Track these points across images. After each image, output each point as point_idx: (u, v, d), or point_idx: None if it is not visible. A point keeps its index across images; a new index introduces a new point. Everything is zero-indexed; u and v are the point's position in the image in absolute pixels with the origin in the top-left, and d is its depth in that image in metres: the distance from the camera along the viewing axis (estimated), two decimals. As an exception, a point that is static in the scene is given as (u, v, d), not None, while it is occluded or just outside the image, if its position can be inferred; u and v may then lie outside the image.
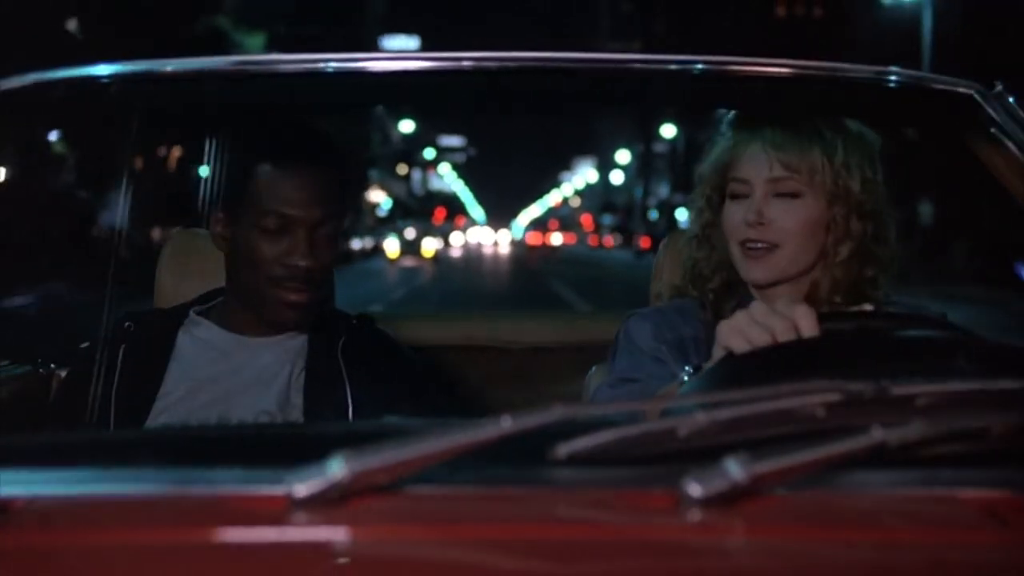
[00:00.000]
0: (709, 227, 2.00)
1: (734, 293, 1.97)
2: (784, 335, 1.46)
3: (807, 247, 1.91)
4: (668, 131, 59.65)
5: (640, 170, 74.95)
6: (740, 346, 1.48)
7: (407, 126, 77.94)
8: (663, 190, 67.04)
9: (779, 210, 1.90)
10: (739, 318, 1.51)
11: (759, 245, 1.90)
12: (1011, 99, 1.79)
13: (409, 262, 42.35)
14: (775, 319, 1.47)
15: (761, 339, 1.47)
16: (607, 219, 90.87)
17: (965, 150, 1.91)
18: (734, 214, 1.93)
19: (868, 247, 1.92)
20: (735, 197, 1.94)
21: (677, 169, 58.56)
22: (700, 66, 1.77)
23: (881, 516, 1.01)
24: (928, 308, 1.99)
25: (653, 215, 66.97)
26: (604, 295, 24.64)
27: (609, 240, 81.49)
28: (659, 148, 70.52)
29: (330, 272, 2.07)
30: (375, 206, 57.50)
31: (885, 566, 0.94)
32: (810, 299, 1.90)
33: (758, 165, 1.91)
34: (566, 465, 1.03)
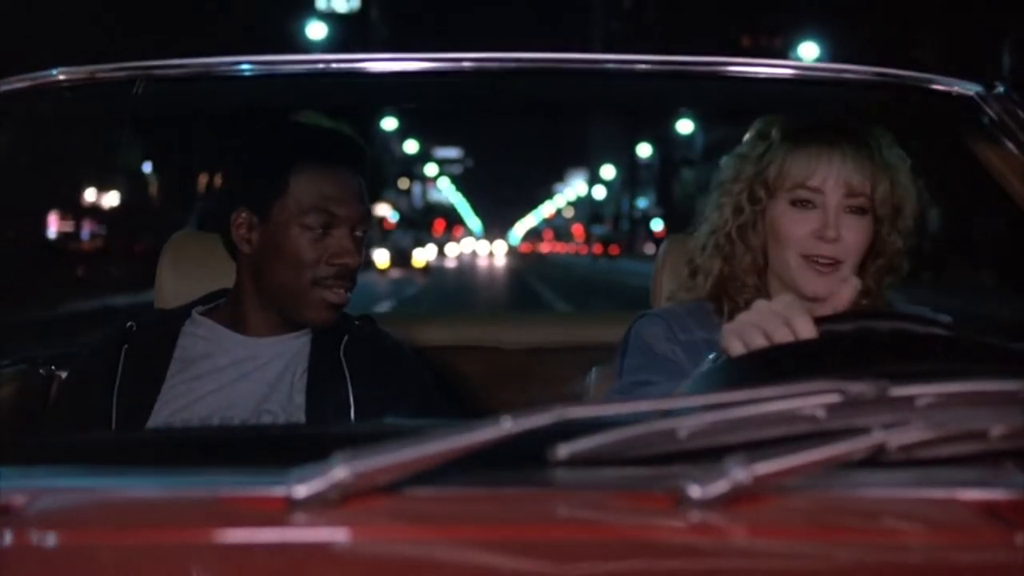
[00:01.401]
0: (745, 227, 1.96)
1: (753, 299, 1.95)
2: (779, 337, 1.45)
3: (859, 262, 1.91)
4: (644, 150, 66.95)
5: (626, 182, 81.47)
6: (736, 349, 1.47)
7: (411, 146, 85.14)
8: (643, 202, 72.51)
9: (848, 226, 1.89)
10: (739, 320, 1.50)
11: (829, 260, 1.88)
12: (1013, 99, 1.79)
13: (397, 273, 41.71)
14: (771, 321, 1.46)
15: (756, 341, 1.46)
16: (598, 229, 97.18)
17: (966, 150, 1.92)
18: (800, 223, 1.89)
19: (897, 262, 1.94)
20: (800, 204, 1.91)
21: (658, 183, 65.17)
22: (701, 67, 1.77)
23: (881, 517, 1.01)
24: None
25: (626, 224, 76.90)
26: (555, 281, 38.09)
27: (583, 248, 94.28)
28: (643, 162, 75.20)
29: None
30: (383, 219, 62.44)
31: (886, 567, 0.94)
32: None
33: (837, 179, 1.88)
34: (566, 466, 1.03)
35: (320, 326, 2.05)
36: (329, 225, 1.99)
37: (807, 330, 1.45)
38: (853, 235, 1.89)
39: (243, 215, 2.04)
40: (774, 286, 1.95)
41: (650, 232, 57.68)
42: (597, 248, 66.89)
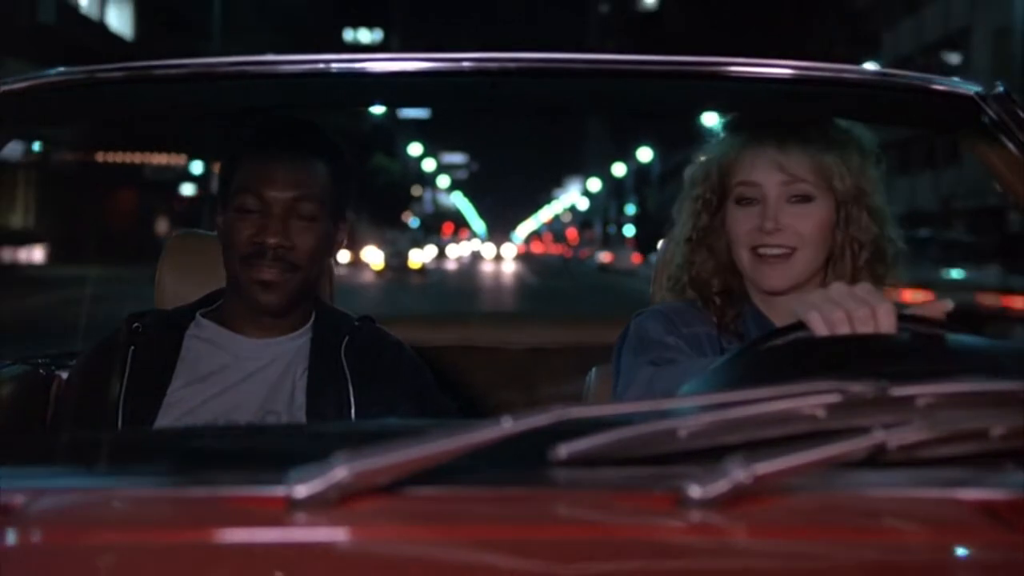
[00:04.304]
0: (706, 230, 1.97)
1: (735, 300, 1.96)
2: (862, 318, 1.45)
3: (820, 249, 1.90)
4: (620, 169, 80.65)
5: (611, 193, 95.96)
6: (817, 323, 1.46)
7: (429, 164, 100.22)
8: (632, 208, 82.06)
9: (793, 215, 1.89)
10: (819, 295, 1.49)
11: (776, 251, 1.88)
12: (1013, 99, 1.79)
13: (371, 279, 40.92)
14: (853, 302, 1.45)
15: (836, 316, 1.45)
16: (587, 233, 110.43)
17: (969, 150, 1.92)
18: (744, 220, 1.90)
19: (880, 246, 1.92)
20: (743, 202, 1.91)
21: (641, 193, 77.20)
22: (702, 67, 1.77)
23: (881, 517, 1.01)
24: None
25: (612, 229, 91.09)
26: (533, 268, 55.67)
27: (564, 250, 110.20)
28: (618, 179, 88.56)
29: (314, 257, 2.07)
30: (406, 224, 72.65)
31: (885, 567, 0.94)
32: None
33: (770, 169, 1.89)
34: (566, 466, 1.03)
35: (262, 309, 2.06)
36: (260, 208, 2.03)
37: (888, 321, 1.45)
38: (798, 222, 1.89)
39: (219, 210, 2.11)
40: (747, 285, 1.96)
41: (623, 238, 70.47)
42: (583, 253, 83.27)
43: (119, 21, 33.61)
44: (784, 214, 1.88)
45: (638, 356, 1.91)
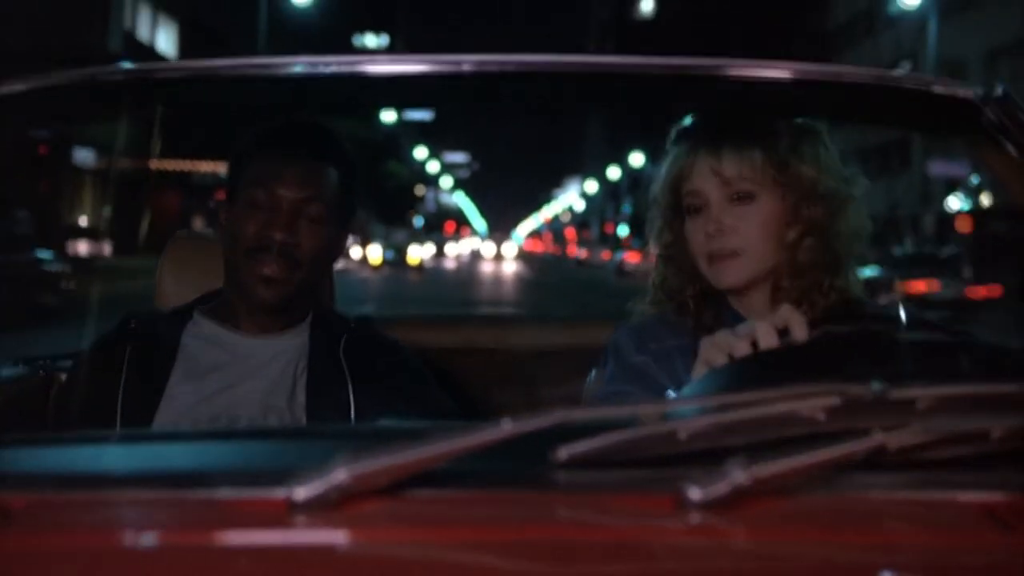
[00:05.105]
0: (671, 247, 1.99)
1: (711, 303, 1.97)
2: (742, 352, 1.48)
3: (771, 245, 1.89)
4: (613, 172, 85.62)
5: (610, 193, 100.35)
6: (720, 360, 1.49)
7: (434, 166, 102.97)
8: (628, 208, 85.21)
9: (737, 216, 1.89)
10: (720, 335, 1.53)
11: (723, 254, 1.89)
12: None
13: (368, 274, 40.95)
14: (735, 339, 1.49)
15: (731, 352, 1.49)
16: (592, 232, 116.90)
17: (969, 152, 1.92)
18: (696, 229, 1.91)
19: (823, 230, 1.90)
20: (692, 211, 1.92)
21: (635, 194, 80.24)
22: (701, 69, 1.77)
23: (881, 519, 1.01)
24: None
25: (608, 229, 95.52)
26: (532, 266, 60.47)
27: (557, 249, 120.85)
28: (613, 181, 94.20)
29: (317, 259, 2.08)
30: (410, 222, 77.24)
31: (885, 569, 0.94)
32: (775, 289, 1.90)
33: (707, 174, 1.90)
34: (567, 468, 1.03)
35: (261, 304, 2.06)
36: (269, 204, 2.04)
37: (769, 343, 1.48)
38: (741, 223, 1.88)
39: (224, 207, 2.12)
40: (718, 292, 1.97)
41: (618, 239, 74.87)
42: (570, 251, 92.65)
43: (166, 43, 37.31)
44: (727, 216, 1.89)
45: (612, 371, 1.95)
